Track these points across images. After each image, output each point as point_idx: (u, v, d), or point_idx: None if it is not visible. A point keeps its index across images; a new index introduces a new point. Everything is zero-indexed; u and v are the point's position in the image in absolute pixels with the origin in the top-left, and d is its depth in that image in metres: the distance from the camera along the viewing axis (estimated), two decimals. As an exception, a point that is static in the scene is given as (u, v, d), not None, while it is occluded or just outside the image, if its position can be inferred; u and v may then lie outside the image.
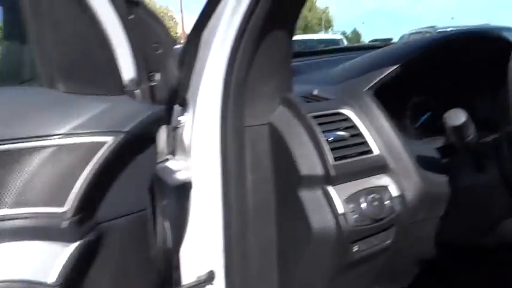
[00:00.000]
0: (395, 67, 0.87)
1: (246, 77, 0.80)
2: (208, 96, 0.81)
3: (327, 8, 41.94)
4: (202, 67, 0.81)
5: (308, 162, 0.77)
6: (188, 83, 0.85)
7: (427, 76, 0.99)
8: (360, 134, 0.82)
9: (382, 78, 0.87)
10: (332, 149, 0.77)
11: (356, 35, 42.72)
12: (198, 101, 0.82)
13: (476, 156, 0.76)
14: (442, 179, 0.82)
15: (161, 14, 29.65)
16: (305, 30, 35.71)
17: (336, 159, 0.77)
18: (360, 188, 0.77)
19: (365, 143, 0.81)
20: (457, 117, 0.69)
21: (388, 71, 0.87)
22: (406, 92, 1.02)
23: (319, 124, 0.79)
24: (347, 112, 0.83)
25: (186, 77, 0.85)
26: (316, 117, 0.80)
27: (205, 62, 0.80)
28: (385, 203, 0.77)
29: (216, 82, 0.80)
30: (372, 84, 0.86)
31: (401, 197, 0.80)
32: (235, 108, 0.81)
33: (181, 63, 0.87)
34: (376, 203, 0.76)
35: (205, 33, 0.81)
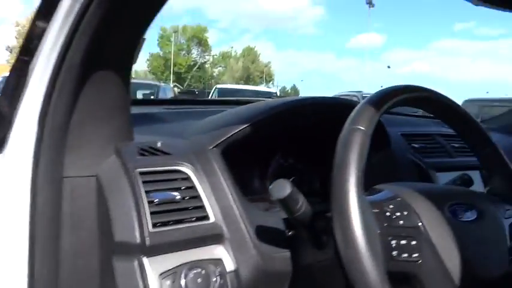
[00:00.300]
0: (244, 126, 0.80)
1: (67, 121, 0.69)
2: (23, 138, 0.69)
3: (269, 62, 43.91)
4: (20, 103, 0.69)
5: (125, 227, 0.66)
6: (9, 118, 0.72)
7: (290, 138, 0.94)
8: (198, 197, 0.73)
9: (230, 137, 0.79)
10: (158, 213, 0.67)
11: (295, 91, 44.90)
12: (12, 140, 0.69)
13: (313, 232, 0.70)
14: (282, 255, 0.74)
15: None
16: (246, 81, 36.85)
17: (158, 225, 0.66)
18: (184, 260, 0.67)
19: (202, 207, 0.72)
20: (280, 189, 0.61)
21: (236, 130, 0.80)
22: (268, 153, 0.96)
23: (147, 182, 0.69)
24: (187, 170, 0.75)
25: (8, 111, 0.72)
26: (144, 173, 0.70)
27: (23, 98, 0.69)
28: (213, 279, 0.67)
29: (32, 123, 0.68)
30: (218, 142, 0.79)
31: (236, 272, 0.71)
32: (52, 155, 0.69)
33: (3, 94, 0.75)
34: (200, 280, 0.66)
35: (32, 64, 0.70)
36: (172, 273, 0.65)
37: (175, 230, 0.68)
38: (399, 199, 0.64)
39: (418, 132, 1.16)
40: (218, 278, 0.68)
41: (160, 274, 0.64)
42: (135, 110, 1.10)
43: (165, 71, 36.32)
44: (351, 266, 0.53)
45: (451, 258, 0.61)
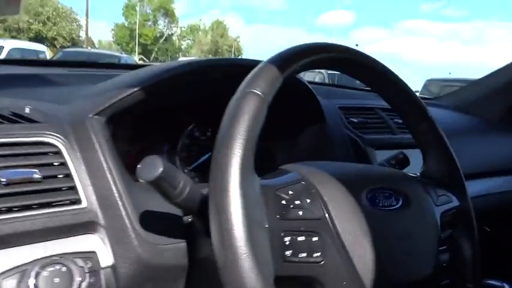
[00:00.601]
0: (133, 91, 0.65)
1: None
2: None
3: (238, 36, 43.23)
4: None
5: None
6: None
7: (207, 107, 0.80)
8: (68, 176, 0.58)
9: (116, 103, 0.64)
10: (5, 196, 0.52)
11: (263, 66, 44.52)
12: None
13: (206, 219, 0.57)
14: (176, 246, 0.61)
15: (63, 14, 27.67)
16: (215, 55, 36.16)
17: (3, 211, 0.52)
18: (40, 255, 0.53)
19: (73, 188, 0.58)
20: (149, 169, 0.47)
21: (124, 95, 0.64)
22: (180, 125, 0.82)
23: None
24: (57, 143, 0.59)
25: None
26: None
27: None
28: (78, 278, 0.53)
29: None
30: (101, 109, 0.64)
31: (113, 268, 0.57)
32: None
33: None
34: (58, 280, 0.52)
35: None
36: (18, 272, 0.51)
37: (30, 217, 0.53)
38: (303, 183, 0.51)
39: (358, 105, 1.04)
40: (87, 275, 0.55)
41: (1, 274, 0.50)
42: (15, 70, 0.93)
43: (130, 42, 35.07)
44: (225, 271, 0.41)
45: (364, 258, 0.49)
